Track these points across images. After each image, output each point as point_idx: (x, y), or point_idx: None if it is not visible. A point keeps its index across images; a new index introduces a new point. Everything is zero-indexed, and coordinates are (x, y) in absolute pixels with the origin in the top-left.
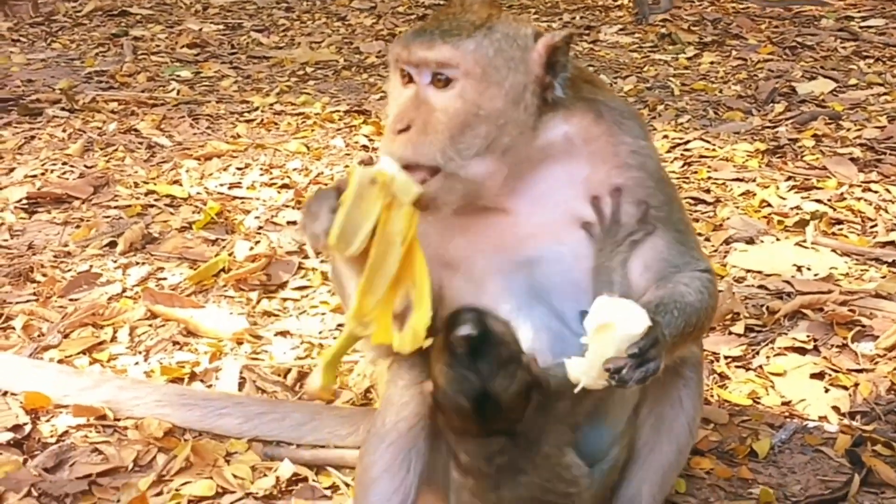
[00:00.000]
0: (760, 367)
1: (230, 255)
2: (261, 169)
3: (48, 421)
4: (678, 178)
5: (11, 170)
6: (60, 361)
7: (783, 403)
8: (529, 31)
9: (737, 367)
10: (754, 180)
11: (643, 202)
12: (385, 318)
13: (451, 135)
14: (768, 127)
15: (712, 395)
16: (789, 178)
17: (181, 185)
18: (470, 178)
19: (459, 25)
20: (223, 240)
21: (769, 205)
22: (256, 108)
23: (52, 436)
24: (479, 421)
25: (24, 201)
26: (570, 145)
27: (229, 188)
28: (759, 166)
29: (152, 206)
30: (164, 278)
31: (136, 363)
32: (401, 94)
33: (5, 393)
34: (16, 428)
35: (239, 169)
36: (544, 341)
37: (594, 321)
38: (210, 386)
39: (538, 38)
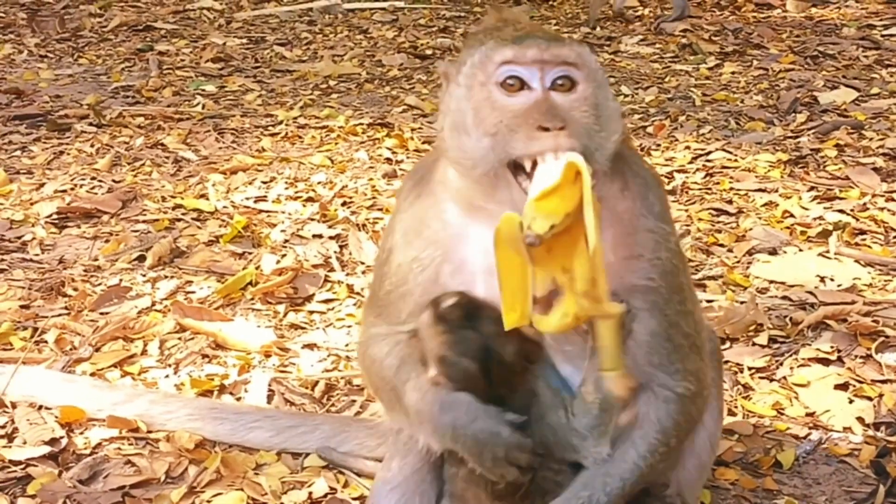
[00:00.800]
0: (784, 378)
1: (257, 268)
2: (286, 182)
3: (82, 434)
4: (700, 190)
5: (41, 185)
6: (93, 374)
7: (807, 414)
8: None
9: (760, 378)
10: (776, 191)
11: (648, 295)
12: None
13: (593, 126)
14: (790, 137)
15: (736, 407)
16: (812, 189)
17: (208, 199)
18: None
19: (552, 34)
20: (250, 253)
21: (792, 215)
22: (280, 122)
23: (86, 448)
24: (487, 383)
25: (55, 216)
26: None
27: (255, 202)
28: (782, 177)
29: (180, 220)
30: (193, 292)
31: (167, 376)
32: (508, 103)
33: (40, 407)
34: (52, 441)
35: (264, 182)
36: None
37: None
38: (239, 398)
39: None
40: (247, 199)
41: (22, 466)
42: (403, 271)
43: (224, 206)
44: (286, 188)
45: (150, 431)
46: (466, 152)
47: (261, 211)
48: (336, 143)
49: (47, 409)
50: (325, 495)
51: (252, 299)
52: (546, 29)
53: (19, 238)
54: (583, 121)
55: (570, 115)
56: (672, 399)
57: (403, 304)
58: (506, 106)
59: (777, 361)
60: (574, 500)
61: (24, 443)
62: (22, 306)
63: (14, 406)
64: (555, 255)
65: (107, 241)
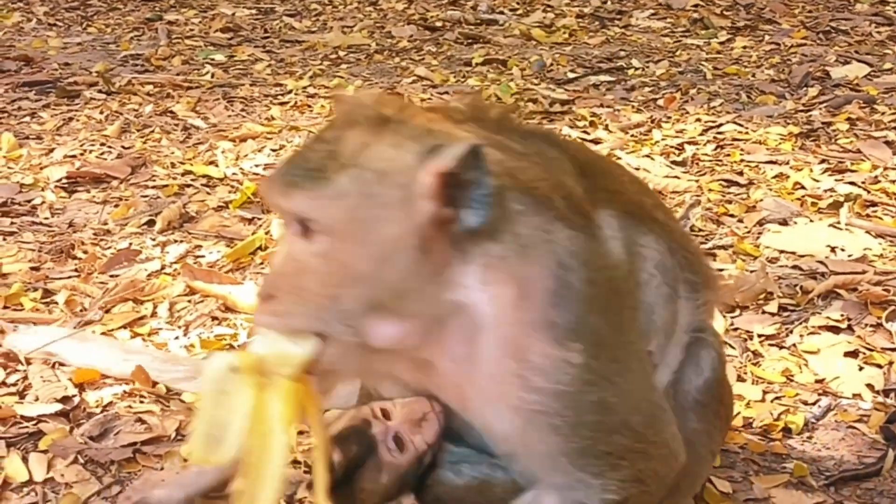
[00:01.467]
0: (794, 345)
1: (267, 233)
2: (295, 150)
3: (95, 391)
4: (711, 161)
5: (51, 150)
6: (103, 335)
7: (817, 381)
8: (412, 158)
9: (770, 345)
10: (787, 163)
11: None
12: None
13: (326, 295)
14: (802, 111)
15: (746, 373)
16: (823, 161)
17: (217, 165)
18: (368, 343)
19: (325, 162)
20: (259, 219)
21: (803, 187)
22: (290, 91)
23: (97, 406)
24: None
25: (64, 181)
26: (482, 320)
27: (264, 169)
28: (793, 149)
29: (189, 185)
30: (202, 256)
31: (176, 337)
32: (281, 242)
33: (54, 365)
34: (64, 399)
35: (273, 150)
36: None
37: None
38: None
39: (427, 161)
40: (256, 165)
41: (34, 422)
42: None
43: (233, 173)
44: None
45: (161, 391)
46: None
47: None
48: None
49: (62, 367)
50: None
51: (262, 264)
52: (324, 157)
53: (29, 202)
54: (319, 280)
55: (305, 272)
56: None
57: None
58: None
59: (787, 329)
60: None
61: (37, 399)
62: (32, 268)
63: (28, 363)
64: None
65: (116, 206)
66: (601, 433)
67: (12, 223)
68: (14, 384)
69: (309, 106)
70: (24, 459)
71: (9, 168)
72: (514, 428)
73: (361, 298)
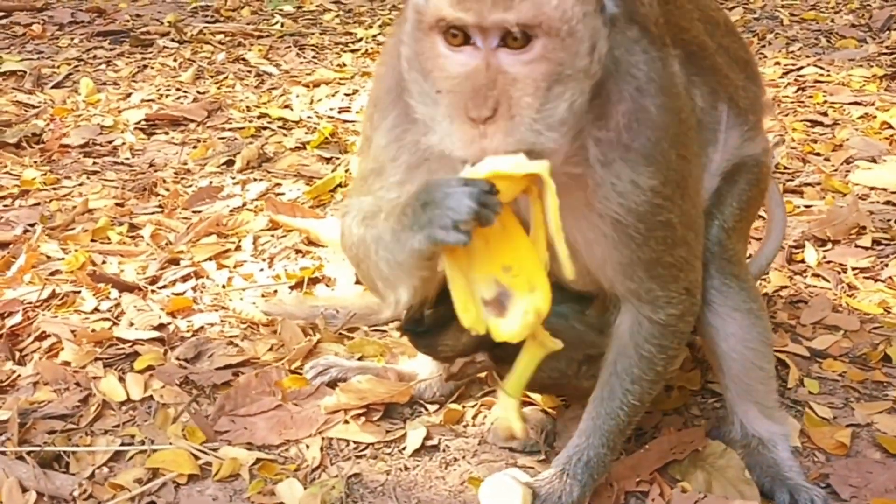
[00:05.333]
0: (890, 277)
1: (346, 171)
2: (368, 95)
3: (185, 318)
4: (793, 103)
5: (128, 95)
6: (190, 266)
7: None
8: None
9: (865, 278)
10: (873, 104)
11: (620, 229)
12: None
13: (538, 106)
14: (885, 54)
15: (841, 305)
16: None
17: (292, 109)
18: (553, 151)
19: None
20: (337, 158)
21: (890, 126)
22: (360, 39)
23: (188, 331)
24: None
25: (143, 123)
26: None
27: (339, 112)
28: (878, 90)
29: (265, 128)
30: (282, 193)
31: (262, 269)
32: (453, 62)
33: (145, 295)
34: (159, 327)
35: (347, 95)
36: None
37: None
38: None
39: None
40: (330, 109)
41: (129, 344)
42: (381, 159)
43: (308, 116)
44: None
45: (250, 320)
46: (419, 99)
47: (345, 121)
48: None
49: (153, 297)
50: None
51: (342, 200)
52: None
53: (110, 143)
54: (535, 90)
55: (515, 85)
56: (655, 328)
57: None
58: (448, 64)
59: (882, 262)
60: (572, 447)
61: (131, 325)
62: (117, 204)
63: (121, 293)
64: (493, 250)
65: (195, 147)
66: (667, 246)
67: (94, 163)
68: (107, 311)
69: (380, 53)
70: (121, 380)
71: (88, 111)
72: (599, 238)
73: (572, 99)
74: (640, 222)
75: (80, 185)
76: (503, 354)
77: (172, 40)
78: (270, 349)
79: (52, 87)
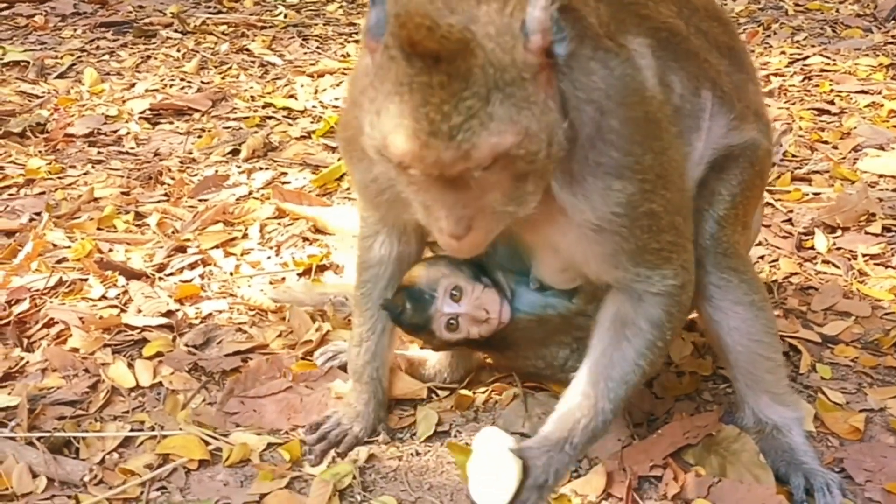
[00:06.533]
0: None
1: None
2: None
3: (193, 305)
4: (799, 91)
5: (132, 85)
6: (197, 254)
7: None
8: (516, 28)
9: (875, 264)
10: (880, 93)
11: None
12: None
13: (508, 202)
14: (891, 43)
15: (852, 291)
16: None
17: (296, 98)
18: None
19: (465, 103)
20: None
21: None
22: None
23: (197, 318)
24: None
25: (147, 112)
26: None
27: (344, 102)
28: (885, 79)
29: (270, 117)
30: (288, 182)
31: (269, 257)
32: (418, 181)
33: (153, 282)
34: (167, 313)
35: None
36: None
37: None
38: (341, 277)
39: (524, 28)
40: (335, 99)
41: (138, 331)
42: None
43: (313, 106)
44: None
45: (257, 306)
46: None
47: None
48: None
49: (161, 284)
50: None
51: (348, 188)
52: (459, 101)
53: (115, 132)
54: (496, 202)
55: (481, 200)
56: (656, 300)
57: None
58: (415, 191)
59: (892, 249)
60: (576, 411)
61: (139, 312)
62: (122, 192)
63: (129, 280)
64: None
65: (200, 136)
66: (652, 234)
67: (99, 152)
68: (115, 298)
69: None
70: (130, 366)
71: (92, 101)
72: (581, 240)
73: (538, 181)
74: (622, 218)
75: (86, 174)
76: (493, 341)
77: (175, 31)
78: (279, 336)
79: (56, 78)
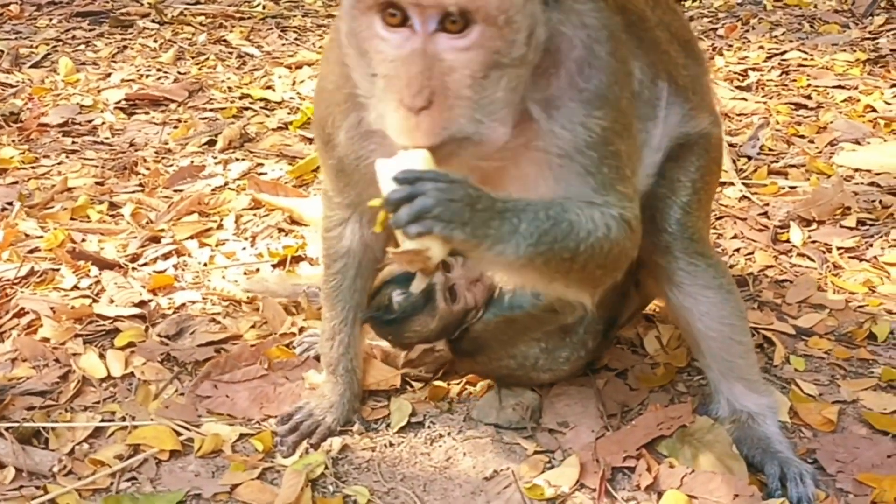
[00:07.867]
0: (875, 257)
1: None
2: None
3: (167, 295)
4: (777, 86)
5: (108, 75)
6: (172, 244)
7: None
8: None
9: (850, 258)
10: (857, 87)
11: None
12: None
13: (475, 96)
14: (868, 39)
15: (826, 284)
16: (894, 86)
17: (274, 90)
18: (492, 141)
19: None
20: None
21: (874, 109)
22: None
23: (170, 308)
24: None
25: (123, 103)
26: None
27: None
28: (861, 74)
29: (247, 108)
30: (265, 173)
31: (244, 248)
32: (389, 44)
33: (126, 272)
34: (140, 304)
35: None
36: None
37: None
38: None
39: None
40: (313, 90)
41: (110, 321)
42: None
43: (290, 97)
44: None
45: (232, 297)
46: (357, 79)
47: None
48: None
49: (134, 275)
50: None
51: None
52: None
53: (90, 122)
54: (472, 77)
55: (452, 73)
56: (616, 216)
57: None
58: (384, 46)
59: (867, 242)
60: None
61: (112, 302)
62: (97, 183)
63: (101, 270)
64: None
65: (175, 127)
66: (617, 169)
67: (73, 142)
68: (87, 288)
69: None
70: (101, 357)
71: (67, 91)
72: (543, 171)
73: (509, 87)
74: (594, 150)
75: (59, 163)
76: (465, 345)
77: (153, 21)
78: (253, 326)
79: (31, 67)
